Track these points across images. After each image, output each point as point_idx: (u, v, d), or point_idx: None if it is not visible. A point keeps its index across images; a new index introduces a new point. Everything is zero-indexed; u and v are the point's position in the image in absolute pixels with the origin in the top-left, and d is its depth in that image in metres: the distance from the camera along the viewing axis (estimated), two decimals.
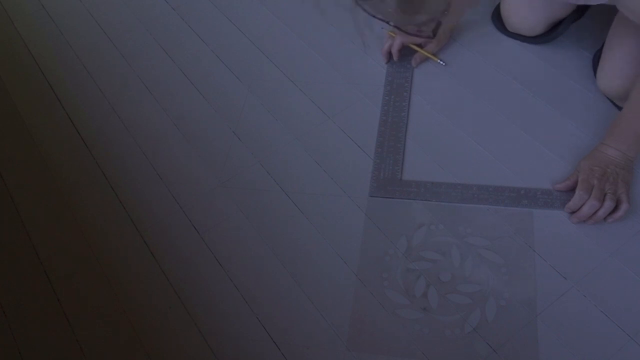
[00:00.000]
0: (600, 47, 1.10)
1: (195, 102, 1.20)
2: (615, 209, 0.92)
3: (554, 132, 1.05)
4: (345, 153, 1.08)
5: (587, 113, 1.06)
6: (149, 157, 1.13)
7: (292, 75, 1.22)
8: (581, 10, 1.14)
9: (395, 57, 1.18)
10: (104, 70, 1.30)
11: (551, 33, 1.15)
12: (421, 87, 1.16)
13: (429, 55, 1.18)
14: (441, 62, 1.18)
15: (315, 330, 0.89)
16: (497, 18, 1.22)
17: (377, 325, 0.88)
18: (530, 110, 1.10)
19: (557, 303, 0.87)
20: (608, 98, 1.08)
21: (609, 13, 1.01)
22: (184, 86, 1.23)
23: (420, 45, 1.18)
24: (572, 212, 0.94)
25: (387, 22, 0.70)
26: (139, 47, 1.33)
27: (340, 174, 1.05)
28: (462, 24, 1.24)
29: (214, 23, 1.35)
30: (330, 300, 0.92)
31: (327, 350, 0.87)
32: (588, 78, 1.11)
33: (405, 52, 1.19)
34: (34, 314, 0.96)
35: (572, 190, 0.95)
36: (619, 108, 1.07)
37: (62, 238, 1.04)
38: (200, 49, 1.30)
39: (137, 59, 1.30)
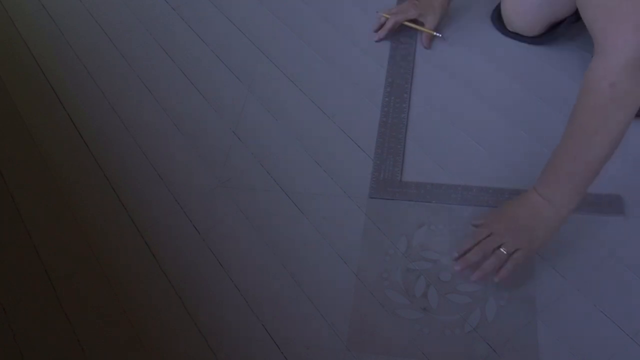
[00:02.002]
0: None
1: (195, 102, 1.20)
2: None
3: (555, 132, 1.05)
4: (345, 153, 1.08)
5: None
6: (149, 157, 1.13)
7: (292, 75, 1.22)
8: None
9: (382, 36, 1.21)
10: (104, 70, 1.30)
11: (551, 33, 1.15)
12: (421, 87, 1.16)
13: (426, 30, 1.19)
14: (438, 35, 1.18)
15: (315, 330, 0.89)
16: (497, 19, 1.22)
17: (377, 325, 0.88)
18: (531, 110, 1.10)
19: (557, 303, 0.87)
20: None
21: None
22: (184, 86, 1.24)
23: (415, 22, 1.21)
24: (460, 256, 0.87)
25: None
26: (139, 47, 1.33)
27: (340, 174, 1.05)
28: (462, 24, 1.24)
29: (214, 23, 1.35)
30: (330, 300, 0.92)
31: (327, 350, 0.87)
32: None
33: (404, 54, 1.19)
34: (34, 314, 0.96)
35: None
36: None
37: (62, 238, 1.04)
38: (200, 49, 1.30)
39: (137, 59, 1.30)
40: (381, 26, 1.23)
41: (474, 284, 0.89)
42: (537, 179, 0.84)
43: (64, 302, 0.97)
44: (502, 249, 0.84)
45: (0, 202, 1.11)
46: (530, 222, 0.83)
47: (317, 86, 1.19)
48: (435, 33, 1.18)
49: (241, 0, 1.39)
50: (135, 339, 0.92)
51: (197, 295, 0.95)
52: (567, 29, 1.14)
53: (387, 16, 1.21)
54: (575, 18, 1.13)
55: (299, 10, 1.34)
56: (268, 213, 1.02)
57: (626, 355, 0.82)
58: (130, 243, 1.02)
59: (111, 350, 0.91)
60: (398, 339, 0.87)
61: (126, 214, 1.06)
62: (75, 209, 1.08)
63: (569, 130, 0.78)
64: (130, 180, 1.10)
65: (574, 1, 0.92)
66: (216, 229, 1.02)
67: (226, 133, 1.14)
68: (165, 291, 0.96)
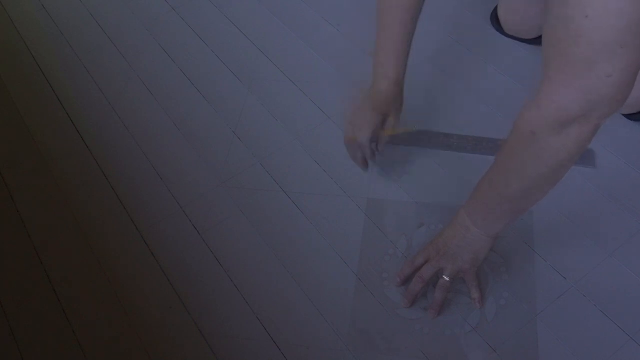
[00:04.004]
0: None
1: (195, 102, 1.20)
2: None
3: None
4: (345, 153, 1.08)
5: None
6: (149, 157, 1.13)
7: (292, 75, 1.22)
8: None
9: (369, 158, 0.98)
10: (104, 70, 1.30)
11: None
12: (421, 89, 1.16)
13: (397, 131, 0.96)
14: (414, 129, 0.99)
15: (315, 330, 0.89)
16: (496, 19, 1.22)
17: (377, 325, 0.88)
18: None
19: (557, 303, 0.87)
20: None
21: None
22: (184, 86, 1.24)
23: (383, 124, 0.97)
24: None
25: None
26: (139, 47, 1.33)
27: (340, 174, 1.05)
28: (461, 23, 1.24)
29: (214, 23, 1.35)
30: (330, 300, 0.92)
31: (327, 350, 0.87)
32: None
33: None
34: (34, 314, 0.96)
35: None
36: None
37: (62, 238, 1.04)
38: (200, 49, 1.30)
39: (137, 59, 1.30)
40: (362, 157, 0.99)
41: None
42: (469, 198, 0.82)
43: (63, 302, 0.97)
44: (444, 277, 0.84)
45: (0, 203, 1.11)
46: (460, 243, 0.83)
47: (317, 86, 1.19)
48: (413, 128, 0.99)
49: (241, 0, 1.39)
50: (135, 339, 0.92)
51: (196, 295, 0.95)
52: None
53: (354, 138, 0.95)
54: None
55: (299, 10, 1.34)
56: (268, 213, 1.02)
57: (626, 355, 0.82)
58: (130, 243, 1.02)
59: (111, 350, 0.91)
60: (398, 339, 0.87)
61: (126, 213, 1.06)
62: (76, 208, 1.08)
63: (497, 157, 0.74)
64: (131, 180, 1.10)
65: None
66: (216, 229, 1.02)
67: (226, 133, 1.14)
68: (165, 291, 0.96)
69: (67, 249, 1.03)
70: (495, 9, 1.23)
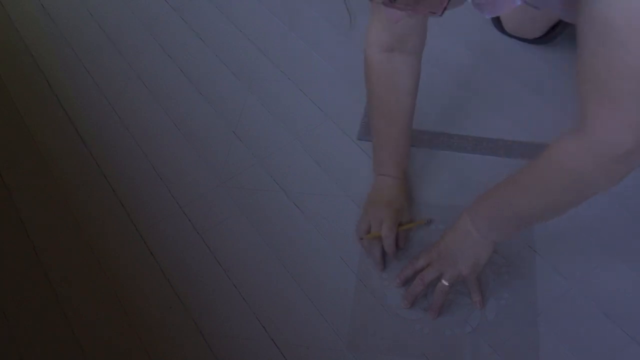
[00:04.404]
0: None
1: (195, 102, 1.20)
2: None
3: (555, 132, 1.05)
4: (345, 153, 1.08)
5: None
6: (149, 157, 1.13)
7: (292, 75, 1.22)
8: None
9: (392, 253, 0.93)
10: (104, 70, 1.30)
11: (550, 34, 1.15)
12: (420, 87, 1.16)
13: (413, 225, 0.96)
14: (426, 222, 0.97)
15: (315, 330, 0.89)
16: (497, 19, 1.22)
17: (377, 325, 0.88)
18: (531, 110, 1.10)
19: (557, 303, 0.87)
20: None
21: None
22: (184, 86, 1.23)
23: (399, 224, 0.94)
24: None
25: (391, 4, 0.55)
26: (139, 47, 1.33)
27: (340, 174, 1.05)
28: (461, 23, 1.24)
29: (214, 23, 1.35)
30: (330, 300, 0.91)
31: (327, 350, 0.87)
32: None
33: None
34: (34, 314, 0.96)
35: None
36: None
37: (62, 238, 1.04)
38: (200, 49, 1.30)
39: (137, 59, 1.30)
40: (380, 254, 0.94)
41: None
42: (474, 202, 0.81)
43: (63, 302, 0.97)
44: (443, 281, 0.84)
45: (0, 203, 1.11)
46: (461, 247, 0.82)
47: (317, 86, 1.19)
48: (424, 222, 0.97)
49: (241, 0, 1.39)
50: (135, 339, 0.91)
51: (196, 295, 0.95)
52: (565, 28, 1.14)
53: (378, 235, 0.92)
54: None
55: (298, 11, 1.34)
56: (268, 213, 1.02)
57: (626, 355, 0.82)
58: (130, 243, 1.02)
59: (111, 350, 0.91)
60: (398, 339, 0.87)
61: (126, 214, 1.06)
62: (75, 209, 1.08)
63: (519, 176, 0.74)
64: (130, 180, 1.10)
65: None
66: (216, 229, 1.01)
67: (226, 133, 1.14)
68: (165, 291, 0.95)
69: (67, 249, 1.03)
70: None
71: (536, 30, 1.15)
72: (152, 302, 0.95)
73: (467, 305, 0.88)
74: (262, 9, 1.36)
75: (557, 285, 0.89)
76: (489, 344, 0.85)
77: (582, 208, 0.95)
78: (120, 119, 1.20)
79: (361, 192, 1.01)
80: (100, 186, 1.10)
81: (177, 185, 1.08)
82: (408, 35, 0.88)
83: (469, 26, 1.24)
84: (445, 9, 0.56)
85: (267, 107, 1.17)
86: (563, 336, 0.84)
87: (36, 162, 1.16)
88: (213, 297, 0.94)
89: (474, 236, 0.81)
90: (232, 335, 0.90)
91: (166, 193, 1.07)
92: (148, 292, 0.96)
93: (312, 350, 0.87)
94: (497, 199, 0.78)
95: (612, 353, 0.82)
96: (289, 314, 0.91)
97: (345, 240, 0.97)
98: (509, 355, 0.84)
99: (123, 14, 1.41)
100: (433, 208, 0.99)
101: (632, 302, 0.86)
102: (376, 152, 0.98)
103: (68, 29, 1.40)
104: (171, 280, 0.97)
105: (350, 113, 1.14)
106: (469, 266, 0.83)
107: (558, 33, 1.15)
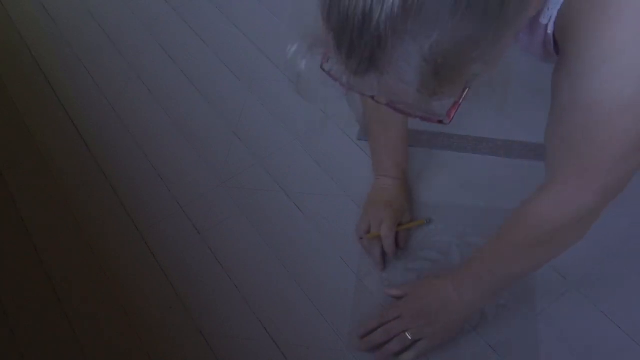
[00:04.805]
0: None
1: (195, 102, 1.20)
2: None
3: None
4: (345, 153, 1.08)
5: None
6: (149, 157, 1.13)
7: (292, 75, 1.22)
8: None
9: (392, 253, 0.93)
10: (104, 70, 1.30)
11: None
12: None
13: (413, 224, 0.96)
14: (426, 222, 0.97)
15: (315, 330, 0.89)
16: None
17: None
18: (531, 111, 1.09)
19: (557, 303, 0.87)
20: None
21: None
22: (184, 86, 1.24)
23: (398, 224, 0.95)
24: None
25: (394, 108, 0.53)
26: (139, 47, 1.33)
27: (340, 174, 1.05)
28: None
29: (214, 23, 1.35)
30: (330, 300, 0.91)
31: (327, 350, 0.87)
32: None
33: None
34: (34, 314, 0.96)
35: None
36: None
37: (62, 238, 1.04)
38: (200, 49, 1.30)
39: (137, 59, 1.30)
40: (380, 253, 0.94)
41: None
42: (455, 271, 0.82)
43: (63, 302, 0.97)
44: (407, 334, 0.82)
45: (0, 203, 1.11)
46: (438, 312, 0.81)
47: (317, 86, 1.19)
48: (424, 222, 0.97)
49: (241, 0, 1.39)
50: (135, 339, 0.92)
51: (196, 295, 0.95)
52: None
53: (377, 234, 0.92)
54: None
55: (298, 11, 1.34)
56: (268, 213, 1.02)
57: (626, 355, 0.82)
58: (130, 243, 1.02)
59: (111, 350, 0.91)
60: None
61: (126, 213, 1.06)
62: (76, 209, 1.08)
63: (496, 241, 0.76)
64: (130, 180, 1.10)
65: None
66: (216, 229, 1.01)
67: (226, 133, 1.14)
68: (165, 291, 0.96)
69: (67, 249, 1.03)
70: None
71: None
72: (152, 302, 0.95)
73: None
74: (262, 9, 1.36)
75: (556, 285, 0.89)
76: (489, 344, 0.85)
77: None
78: (120, 119, 1.20)
79: (361, 192, 1.01)
80: (100, 186, 1.10)
81: (177, 185, 1.08)
82: None
83: None
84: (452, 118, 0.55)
85: (267, 107, 1.17)
86: (562, 336, 0.84)
87: (36, 162, 1.16)
88: (213, 297, 0.94)
89: (456, 304, 0.80)
90: (232, 335, 0.90)
91: (166, 193, 1.07)
92: (148, 292, 0.96)
93: (312, 350, 0.87)
94: (476, 262, 0.80)
95: (612, 353, 0.82)
96: (289, 314, 0.91)
97: (345, 240, 0.97)
98: (509, 355, 0.84)
99: (123, 14, 1.41)
100: (433, 208, 0.99)
101: (632, 302, 0.86)
102: (375, 155, 0.98)
103: (68, 29, 1.40)
104: (171, 280, 0.97)
105: (351, 113, 1.14)
106: (439, 333, 0.81)
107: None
